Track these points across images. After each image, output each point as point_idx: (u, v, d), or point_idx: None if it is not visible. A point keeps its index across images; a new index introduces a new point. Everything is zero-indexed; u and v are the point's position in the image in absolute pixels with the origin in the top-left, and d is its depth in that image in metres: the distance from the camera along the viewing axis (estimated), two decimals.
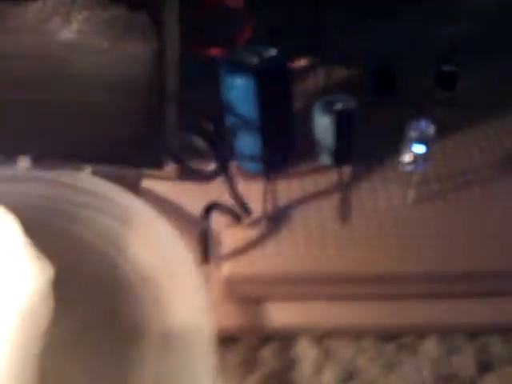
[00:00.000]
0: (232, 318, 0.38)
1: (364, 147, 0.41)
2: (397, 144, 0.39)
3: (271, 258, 0.38)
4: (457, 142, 0.43)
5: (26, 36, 0.48)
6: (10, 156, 0.45)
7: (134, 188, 0.44)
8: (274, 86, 0.39)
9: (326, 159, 0.41)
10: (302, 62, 0.47)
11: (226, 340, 0.37)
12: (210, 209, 0.37)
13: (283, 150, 0.41)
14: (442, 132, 0.40)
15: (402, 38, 0.51)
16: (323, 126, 0.39)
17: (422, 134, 0.37)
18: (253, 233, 0.39)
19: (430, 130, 0.37)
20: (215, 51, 0.43)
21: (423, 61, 0.47)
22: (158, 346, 0.36)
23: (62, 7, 0.48)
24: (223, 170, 0.38)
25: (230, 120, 0.40)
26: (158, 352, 0.36)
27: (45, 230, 0.39)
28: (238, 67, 0.39)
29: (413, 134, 0.37)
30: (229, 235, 0.39)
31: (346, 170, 0.41)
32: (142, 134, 0.44)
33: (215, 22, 0.45)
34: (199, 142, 0.38)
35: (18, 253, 0.35)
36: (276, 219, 0.39)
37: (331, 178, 0.41)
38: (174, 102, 0.42)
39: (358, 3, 0.51)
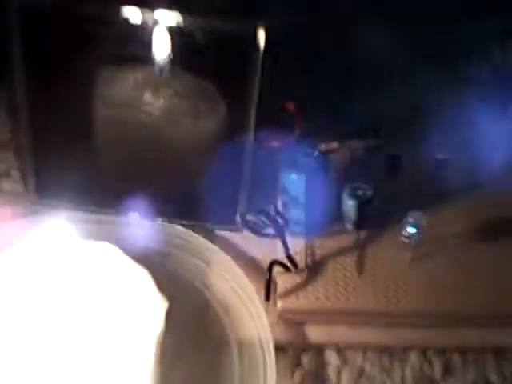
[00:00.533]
0: (283, 336, 0.56)
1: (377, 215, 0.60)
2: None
3: (310, 296, 0.56)
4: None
5: (126, 109, 0.61)
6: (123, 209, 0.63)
7: (211, 238, 0.62)
8: (317, 179, 0.57)
9: (348, 226, 0.60)
10: (334, 145, 0.65)
11: (278, 349, 0.56)
12: (272, 264, 0.55)
13: (321, 219, 0.60)
14: None
15: None
16: (349, 206, 0.58)
17: (416, 221, 0.55)
18: (298, 279, 0.57)
19: (423, 219, 0.56)
20: (275, 144, 0.61)
21: None
22: (237, 355, 0.54)
23: (150, 83, 0.61)
24: (279, 234, 0.57)
25: (283, 198, 0.58)
26: (237, 359, 0.54)
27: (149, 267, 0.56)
28: (293, 164, 0.57)
29: (409, 219, 0.56)
30: (282, 280, 0.57)
31: (363, 234, 0.60)
32: (220, 196, 0.61)
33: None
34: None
35: (148, 287, 0.53)
36: (314, 269, 0.58)
37: (352, 239, 0.60)
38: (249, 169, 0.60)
39: None
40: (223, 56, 0.56)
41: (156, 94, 0.61)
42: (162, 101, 0.61)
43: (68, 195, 0.62)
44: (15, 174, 0.67)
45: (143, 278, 0.50)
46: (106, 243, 0.51)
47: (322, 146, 0.62)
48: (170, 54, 0.57)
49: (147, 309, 0.49)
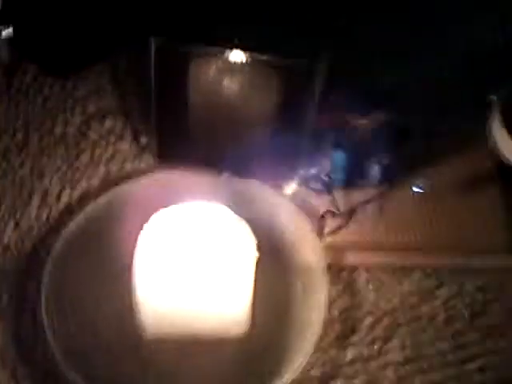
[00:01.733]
0: (330, 259, 0.83)
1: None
2: None
3: (347, 233, 0.83)
4: None
5: (209, 91, 0.84)
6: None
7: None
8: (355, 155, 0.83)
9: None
10: (364, 121, 0.89)
11: (327, 267, 0.82)
12: (323, 213, 0.82)
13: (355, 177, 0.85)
14: None
15: None
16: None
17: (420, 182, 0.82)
18: (339, 221, 0.84)
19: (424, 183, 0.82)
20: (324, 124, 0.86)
21: None
22: (299, 272, 0.81)
23: (228, 68, 0.82)
24: (328, 191, 0.83)
25: (332, 165, 0.84)
26: (300, 273, 0.81)
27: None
28: (338, 144, 0.82)
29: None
30: (329, 222, 0.84)
31: (382, 189, 0.86)
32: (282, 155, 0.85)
33: None
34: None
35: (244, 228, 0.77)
36: (349, 214, 0.84)
37: (374, 192, 0.86)
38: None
39: None
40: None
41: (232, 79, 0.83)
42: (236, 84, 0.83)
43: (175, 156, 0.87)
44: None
45: (243, 226, 0.76)
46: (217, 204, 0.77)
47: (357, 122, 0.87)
48: None
49: (248, 246, 0.75)
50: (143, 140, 0.92)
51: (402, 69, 0.91)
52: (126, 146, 0.92)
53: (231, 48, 0.80)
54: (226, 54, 0.80)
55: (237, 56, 0.80)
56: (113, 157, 0.91)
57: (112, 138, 0.93)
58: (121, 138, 0.93)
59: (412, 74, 0.91)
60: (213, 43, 0.80)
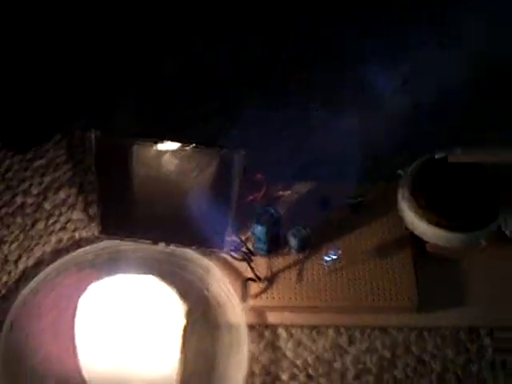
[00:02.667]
0: (252, 320, 0.93)
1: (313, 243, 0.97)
2: None
3: (267, 297, 0.94)
4: None
5: (150, 169, 0.96)
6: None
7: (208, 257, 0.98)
8: (275, 228, 0.94)
9: (292, 250, 0.97)
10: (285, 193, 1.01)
11: (250, 328, 0.93)
12: (246, 279, 0.93)
13: (276, 247, 0.97)
14: None
15: None
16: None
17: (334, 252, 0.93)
18: (261, 286, 0.94)
19: (339, 251, 0.93)
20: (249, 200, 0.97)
21: None
22: (225, 331, 0.92)
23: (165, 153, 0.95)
24: (247, 260, 0.94)
25: (252, 237, 0.95)
26: (226, 333, 0.92)
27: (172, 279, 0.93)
28: (259, 219, 0.93)
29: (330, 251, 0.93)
30: (252, 287, 0.94)
31: (301, 256, 0.97)
32: (213, 227, 0.97)
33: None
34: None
35: (173, 297, 0.90)
36: (270, 279, 0.95)
37: (294, 259, 0.97)
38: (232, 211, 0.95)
39: None
40: None
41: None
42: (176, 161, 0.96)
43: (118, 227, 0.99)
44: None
45: (173, 296, 0.87)
46: (149, 276, 0.88)
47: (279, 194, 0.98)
48: None
49: (175, 312, 0.86)
50: (92, 211, 1.02)
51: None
52: (77, 215, 1.03)
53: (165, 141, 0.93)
54: (162, 145, 0.94)
55: (172, 146, 0.93)
56: (64, 226, 1.02)
57: (64, 208, 1.04)
58: (73, 208, 1.04)
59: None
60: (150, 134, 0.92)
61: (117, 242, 0.98)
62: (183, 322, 0.86)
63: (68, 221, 1.03)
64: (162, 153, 0.95)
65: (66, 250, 1.00)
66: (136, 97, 1.12)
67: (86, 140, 0.95)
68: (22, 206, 1.05)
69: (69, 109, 1.10)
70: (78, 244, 1.01)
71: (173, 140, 0.94)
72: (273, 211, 0.93)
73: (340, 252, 0.94)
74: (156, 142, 0.94)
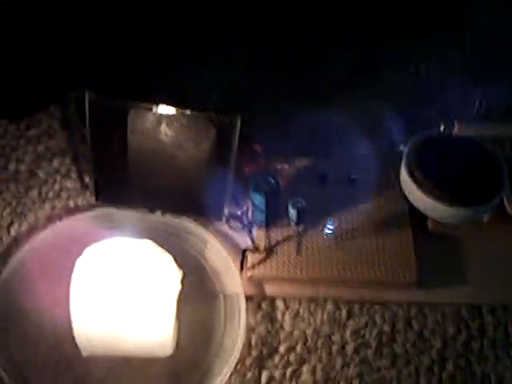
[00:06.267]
0: (250, 290, 0.91)
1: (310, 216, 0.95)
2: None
3: (265, 268, 0.92)
4: None
5: (147, 137, 0.93)
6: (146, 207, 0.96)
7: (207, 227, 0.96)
8: (273, 198, 0.92)
9: (292, 222, 0.95)
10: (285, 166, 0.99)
11: (247, 299, 0.91)
12: (244, 249, 0.91)
13: (274, 219, 0.95)
14: None
15: None
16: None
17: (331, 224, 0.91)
18: (259, 257, 0.93)
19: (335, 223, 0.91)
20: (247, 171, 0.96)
21: None
22: (221, 302, 0.90)
23: (164, 118, 0.91)
24: (248, 230, 0.92)
25: (252, 207, 0.93)
26: (222, 304, 0.90)
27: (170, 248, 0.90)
28: (258, 188, 0.91)
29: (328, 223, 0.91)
30: (250, 257, 0.93)
31: (300, 228, 0.95)
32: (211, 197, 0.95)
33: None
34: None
35: (169, 262, 0.87)
36: (268, 250, 0.93)
37: (293, 231, 0.95)
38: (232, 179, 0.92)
39: None
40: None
41: (168, 126, 0.92)
42: (171, 132, 0.93)
43: (113, 196, 0.96)
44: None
45: (169, 260, 0.85)
46: (145, 240, 0.86)
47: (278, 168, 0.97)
48: None
49: (171, 277, 0.84)
50: (86, 179, 1.00)
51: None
52: (71, 184, 1.01)
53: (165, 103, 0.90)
54: (160, 109, 0.90)
55: (170, 110, 0.90)
56: (58, 194, 1.00)
57: (58, 177, 1.01)
58: (67, 176, 1.02)
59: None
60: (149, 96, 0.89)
61: (112, 209, 0.95)
62: (179, 287, 0.83)
63: (62, 189, 1.01)
64: (158, 121, 0.91)
65: (60, 217, 0.97)
66: (132, 66, 1.10)
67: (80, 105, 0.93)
68: (16, 172, 1.02)
69: (64, 78, 1.07)
70: (72, 212, 0.98)
71: (169, 104, 0.91)
72: (272, 180, 0.91)
73: (335, 224, 0.92)
74: (152, 107, 0.91)
